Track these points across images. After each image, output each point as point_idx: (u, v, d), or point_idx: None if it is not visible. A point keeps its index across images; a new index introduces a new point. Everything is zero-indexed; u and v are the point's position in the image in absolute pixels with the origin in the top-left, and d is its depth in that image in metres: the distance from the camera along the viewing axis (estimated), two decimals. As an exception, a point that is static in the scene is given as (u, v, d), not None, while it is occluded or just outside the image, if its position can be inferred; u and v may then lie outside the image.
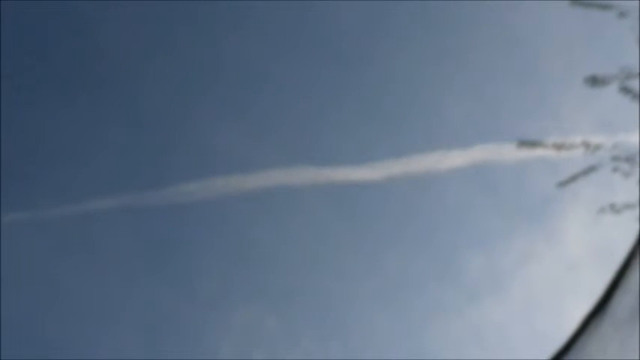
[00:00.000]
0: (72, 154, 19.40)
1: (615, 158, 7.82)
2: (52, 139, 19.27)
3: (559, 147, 8.10)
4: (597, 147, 7.93)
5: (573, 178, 7.94)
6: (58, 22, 19.08)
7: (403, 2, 18.26)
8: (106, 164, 19.31)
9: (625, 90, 7.95)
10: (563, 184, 7.99)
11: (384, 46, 19.10)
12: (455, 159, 17.72)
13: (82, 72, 19.26)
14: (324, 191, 19.00)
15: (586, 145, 7.98)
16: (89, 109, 19.27)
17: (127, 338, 18.71)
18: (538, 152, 8.20)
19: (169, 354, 18.54)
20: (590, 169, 7.89)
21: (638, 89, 7.90)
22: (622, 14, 7.97)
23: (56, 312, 18.80)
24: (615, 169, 7.79)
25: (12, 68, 18.32)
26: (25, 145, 18.72)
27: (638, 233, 7.09)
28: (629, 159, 7.74)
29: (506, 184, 18.52)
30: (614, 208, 7.70)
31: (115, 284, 19.01)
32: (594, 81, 8.10)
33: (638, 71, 7.87)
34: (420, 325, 18.93)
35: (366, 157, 18.75)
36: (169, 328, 19.13)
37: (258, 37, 19.17)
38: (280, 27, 19.05)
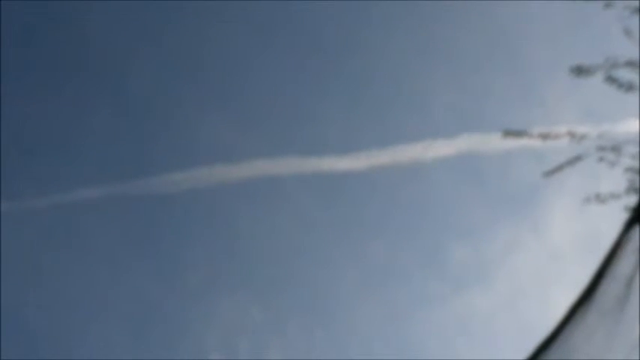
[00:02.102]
0: (56, 144, 19.29)
1: (600, 148, 7.83)
2: (37, 129, 19.15)
3: (544, 137, 8.11)
4: (583, 136, 7.94)
5: (559, 168, 7.95)
6: (43, 11, 18.93)
7: (388, -9, 18.24)
8: (91, 154, 19.22)
9: (610, 79, 7.96)
10: (548, 173, 8.00)
11: (369, 35, 19.07)
12: (440, 148, 17.74)
13: (67, 61, 19.13)
14: (309, 181, 18.99)
15: (571, 134, 7.99)
16: (74, 98, 19.17)
17: (112, 327, 18.66)
18: (523, 142, 8.20)
19: (154, 343, 18.51)
20: (575, 159, 7.90)
21: (626, 79, 7.91)
22: (608, 4, 7.97)
23: (40, 301, 18.73)
24: (601, 159, 7.81)
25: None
26: (9, 135, 18.60)
27: (624, 222, 7.11)
28: (614, 148, 7.76)
29: (492, 173, 18.59)
30: (599, 198, 7.72)
31: (99, 273, 18.95)
32: (580, 71, 8.10)
33: (624, 61, 7.88)
34: (406, 315, 18.99)
35: (351, 146, 18.75)
36: (154, 317, 19.10)
37: (242, 27, 19.10)
38: (265, 16, 18.99)
